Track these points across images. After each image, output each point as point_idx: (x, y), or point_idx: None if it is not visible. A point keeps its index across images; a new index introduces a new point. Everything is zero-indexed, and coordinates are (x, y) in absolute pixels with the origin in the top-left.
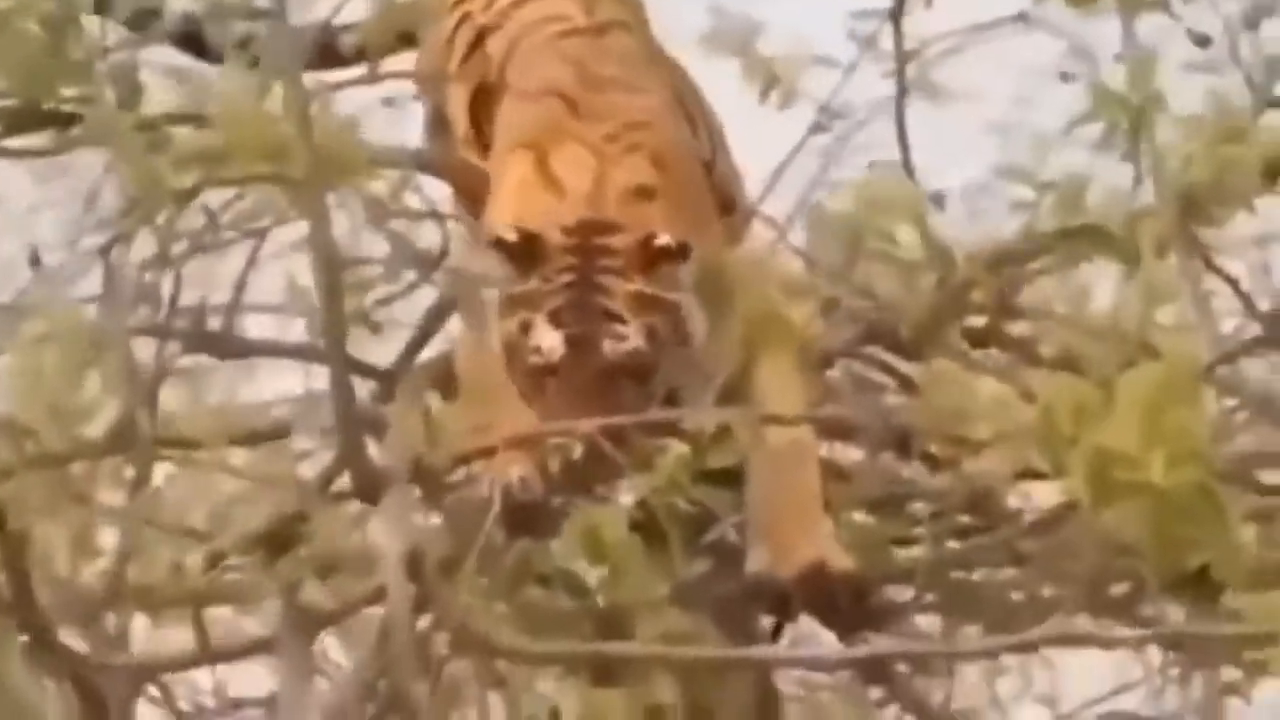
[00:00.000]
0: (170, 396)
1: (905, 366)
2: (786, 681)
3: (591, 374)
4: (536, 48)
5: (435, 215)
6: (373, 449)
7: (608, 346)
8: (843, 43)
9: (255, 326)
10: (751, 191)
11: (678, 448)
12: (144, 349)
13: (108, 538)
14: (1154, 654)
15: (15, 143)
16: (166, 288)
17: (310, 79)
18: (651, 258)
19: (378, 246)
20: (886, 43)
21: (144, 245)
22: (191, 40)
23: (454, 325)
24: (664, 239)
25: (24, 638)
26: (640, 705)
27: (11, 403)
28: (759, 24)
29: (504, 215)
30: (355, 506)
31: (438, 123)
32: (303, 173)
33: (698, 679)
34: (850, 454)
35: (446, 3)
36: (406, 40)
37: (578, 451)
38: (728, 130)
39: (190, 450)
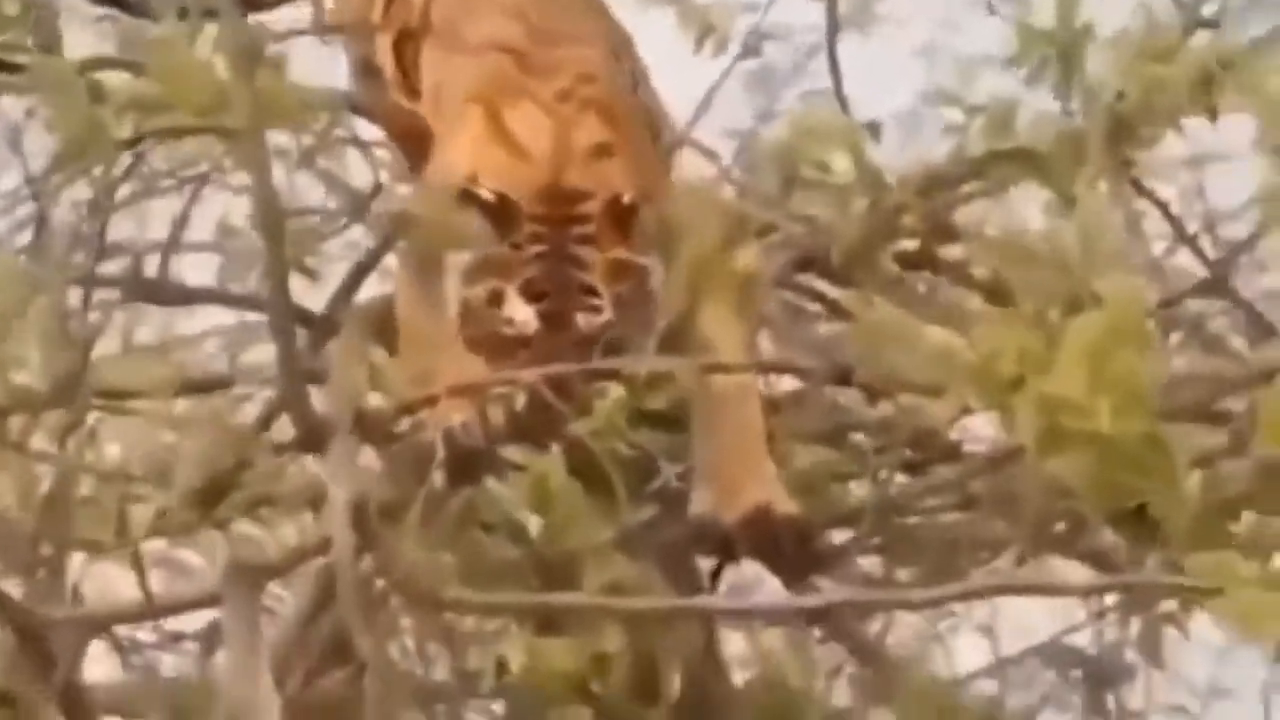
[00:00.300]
0: (106, 344)
1: (838, 293)
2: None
3: (563, 345)
4: None
5: (363, 145)
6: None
7: (582, 320)
8: None
9: (193, 272)
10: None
11: (615, 391)
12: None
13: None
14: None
15: None
16: (101, 235)
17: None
18: (619, 218)
19: (312, 189)
20: None
21: (79, 192)
22: None
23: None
24: (629, 197)
25: None
26: (585, 653)
27: None
28: None
29: (462, 171)
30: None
31: (365, 68)
32: (242, 121)
33: (643, 626)
34: (788, 384)
35: None
36: None
37: (521, 402)
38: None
39: (127, 400)
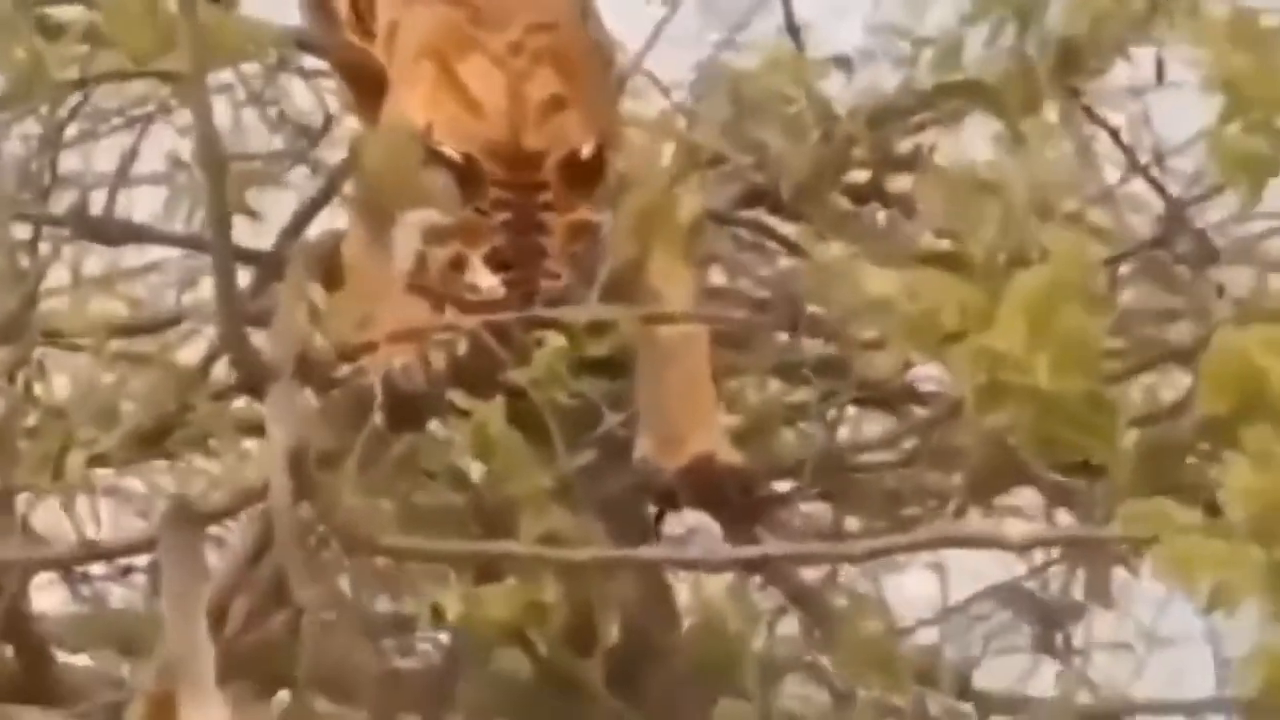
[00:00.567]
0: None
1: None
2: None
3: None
4: None
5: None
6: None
7: (544, 286)
8: None
9: (144, 205)
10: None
11: (556, 339)
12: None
13: None
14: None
15: None
16: (53, 171)
17: None
18: (577, 173)
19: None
20: None
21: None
22: None
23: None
24: (586, 150)
25: None
26: (521, 601)
27: None
28: None
29: (417, 126)
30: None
31: (318, 5)
32: (186, 60)
33: (582, 575)
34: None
35: None
36: None
37: (462, 347)
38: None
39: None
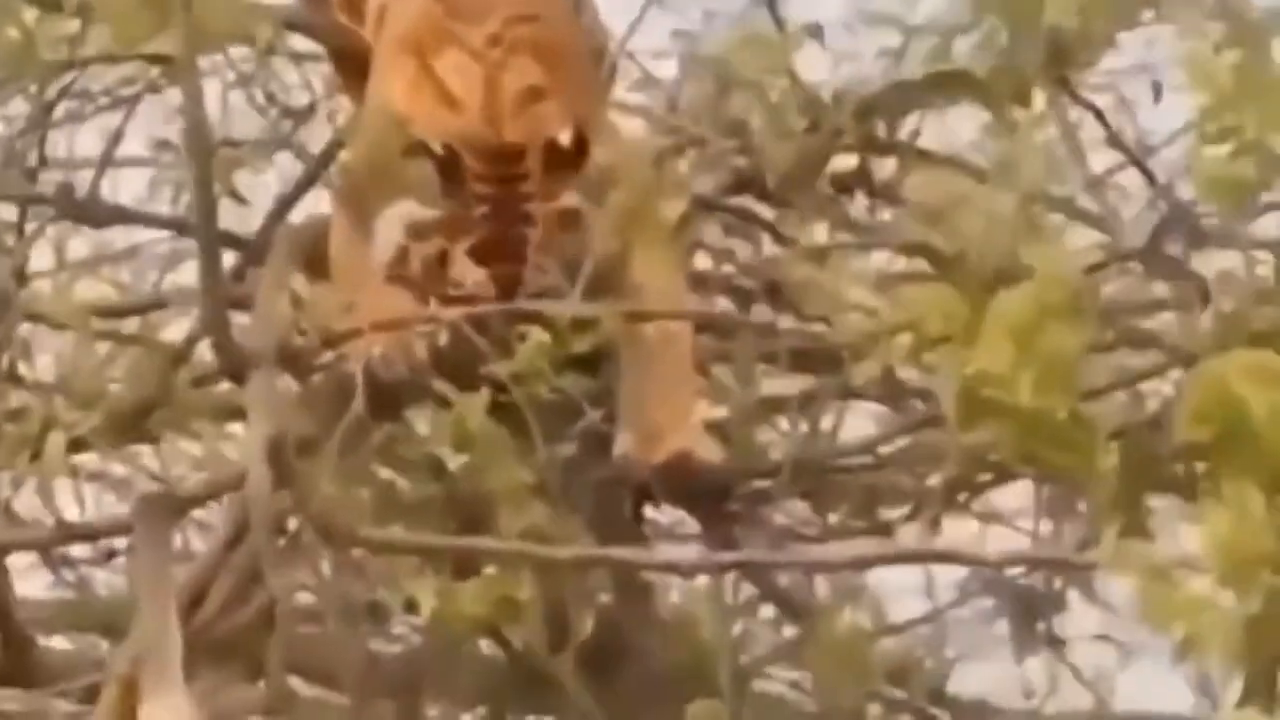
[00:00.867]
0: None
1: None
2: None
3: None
4: None
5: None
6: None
7: (529, 279)
8: None
9: (129, 185)
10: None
11: (539, 334)
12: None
13: None
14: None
15: None
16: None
17: None
18: (558, 163)
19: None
20: None
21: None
22: None
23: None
24: (564, 138)
25: None
26: (495, 597)
27: None
28: None
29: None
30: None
31: None
32: (177, 43)
33: (558, 572)
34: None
35: None
36: None
37: (443, 337)
38: None
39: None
